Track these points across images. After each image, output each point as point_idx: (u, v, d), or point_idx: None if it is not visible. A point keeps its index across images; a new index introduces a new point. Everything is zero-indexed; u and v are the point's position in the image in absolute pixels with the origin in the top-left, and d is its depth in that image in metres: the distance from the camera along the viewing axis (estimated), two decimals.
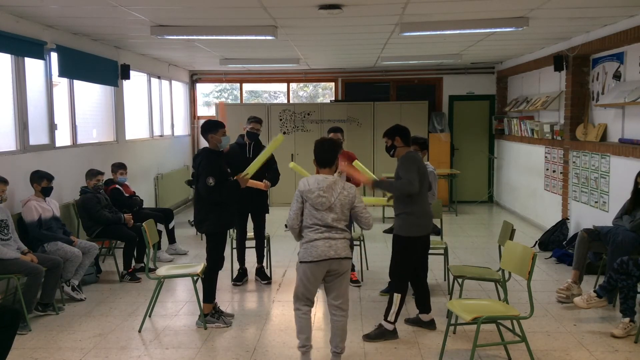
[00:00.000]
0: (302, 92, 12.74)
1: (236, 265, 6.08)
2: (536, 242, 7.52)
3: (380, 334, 4.43)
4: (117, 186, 6.76)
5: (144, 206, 7.14)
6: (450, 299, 5.20)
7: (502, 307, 3.94)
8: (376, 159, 10.91)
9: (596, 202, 6.90)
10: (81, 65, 6.91)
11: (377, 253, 7.21)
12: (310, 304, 3.85)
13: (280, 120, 11.07)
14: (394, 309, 4.39)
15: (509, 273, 4.36)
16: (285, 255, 7.10)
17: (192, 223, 6.86)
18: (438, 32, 6.49)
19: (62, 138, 6.70)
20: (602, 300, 4.71)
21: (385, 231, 8.21)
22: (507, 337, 4.17)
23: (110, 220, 6.13)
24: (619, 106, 6.42)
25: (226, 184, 4.69)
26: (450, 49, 8.67)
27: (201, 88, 12.29)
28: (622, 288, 4.52)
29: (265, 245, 6.15)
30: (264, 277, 6.06)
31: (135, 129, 8.90)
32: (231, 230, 6.14)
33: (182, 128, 11.34)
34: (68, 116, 6.89)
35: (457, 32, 6.50)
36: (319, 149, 3.91)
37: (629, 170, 5.86)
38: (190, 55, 9.21)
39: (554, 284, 5.81)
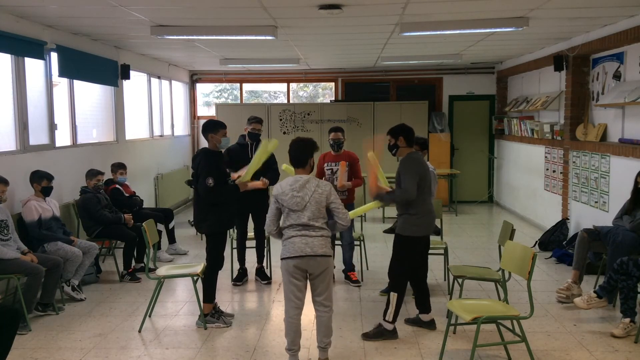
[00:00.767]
0: (302, 92, 12.74)
1: (236, 265, 6.08)
2: (536, 242, 7.52)
3: (379, 334, 4.43)
4: (117, 186, 6.76)
5: (144, 206, 7.14)
6: (450, 299, 5.20)
7: (502, 307, 3.94)
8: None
9: (596, 202, 6.90)
10: (81, 65, 6.91)
11: (377, 253, 7.21)
12: (300, 304, 3.85)
13: (280, 120, 11.07)
14: (391, 308, 4.39)
15: (509, 273, 4.36)
16: None
17: (192, 223, 6.86)
18: (438, 32, 6.49)
19: (62, 138, 6.70)
20: (602, 301, 4.71)
21: (385, 231, 8.20)
22: (507, 337, 4.17)
23: (110, 220, 6.13)
24: (619, 106, 6.42)
25: (225, 186, 4.68)
26: (450, 49, 8.67)
27: (201, 88, 12.30)
28: (622, 288, 4.52)
29: (266, 245, 6.16)
30: (264, 277, 6.06)
31: (135, 129, 8.90)
32: (231, 230, 6.15)
33: (182, 128, 11.34)
34: (68, 116, 6.89)
35: (457, 32, 6.50)
36: (293, 149, 3.92)
37: (629, 170, 5.86)
38: (190, 55, 9.21)
39: (554, 284, 5.81)
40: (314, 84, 12.58)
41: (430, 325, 4.66)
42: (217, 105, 11.20)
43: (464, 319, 3.75)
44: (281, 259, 3.83)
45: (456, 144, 11.47)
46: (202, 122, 11.63)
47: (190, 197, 10.76)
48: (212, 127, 4.72)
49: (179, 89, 11.23)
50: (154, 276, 4.86)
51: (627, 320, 4.46)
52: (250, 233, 6.11)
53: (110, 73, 7.78)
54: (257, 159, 4.80)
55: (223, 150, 4.95)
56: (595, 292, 4.74)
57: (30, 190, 5.51)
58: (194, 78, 11.88)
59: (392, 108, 11.01)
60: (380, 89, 11.74)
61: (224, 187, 4.65)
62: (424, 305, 4.70)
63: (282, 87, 12.18)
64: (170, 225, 7.21)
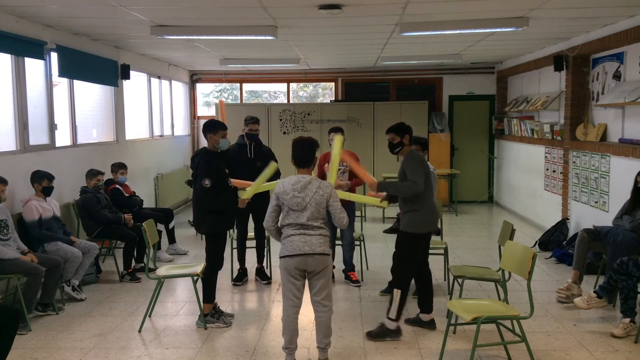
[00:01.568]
0: (302, 92, 12.74)
1: (236, 265, 6.08)
2: (536, 242, 7.51)
3: (383, 333, 4.42)
4: (117, 186, 6.76)
5: (144, 206, 7.14)
6: (450, 299, 5.20)
7: (502, 307, 3.93)
8: (376, 159, 10.91)
9: (596, 202, 6.90)
10: (81, 65, 6.91)
11: (377, 253, 7.21)
12: (298, 302, 3.85)
13: (280, 120, 11.07)
14: (395, 305, 4.37)
15: (509, 273, 4.36)
16: None
17: (192, 223, 6.86)
18: (438, 32, 6.49)
19: (62, 138, 6.70)
20: (602, 301, 4.71)
21: (385, 231, 8.19)
22: (507, 337, 4.17)
23: (110, 220, 6.13)
24: (619, 106, 6.42)
25: (224, 194, 4.63)
26: (450, 49, 8.67)
27: (201, 88, 12.29)
28: (622, 288, 4.52)
29: (266, 245, 6.16)
30: (264, 277, 6.06)
31: (135, 129, 8.90)
32: (231, 230, 6.14)
33: (182, 128, 11.34)
34: (68, 116, 6.89)
35: (457, 32, 6.49)
36: (296, 148, 3.90)
37: (629, 170, 5.86)
38: (190, 55, 9.21)
39: (554, 284, 5.81)
40: (314, 84, 12.58)
41: (430, 325, 4.66)
42: (217, 104, 11.18)
43: (464, 319, 3.75)
44: (280, 257, 3.84)
45: (456, 144, 11.47)
46: (202, 122, 11.71)
47: (190, 197, 10.75)
48: (212, 127, 4.71)
49: (179, 89, 11.23)
50: (154, 276, 4.86)
51: (627, 320, 4.46)
52: (251, 233, 6.11)
53: (110, 73, 7.78)
54: (262, 181, 4.70)
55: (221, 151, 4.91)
56: (595, 292, 4.74)
57: (30, 190, 5.51)
58: (194, 78, 11.88)
59: (392, 108, 11.01)
60: (380, 89, 11.74)
61: (221, 194, 4.61)
62: (425, 304, 4.70)
63: (282, 87, 12.17)
64: (170, 225, 7.21)
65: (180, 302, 5.45)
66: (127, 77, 8.18)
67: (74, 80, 6.93)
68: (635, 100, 5.81)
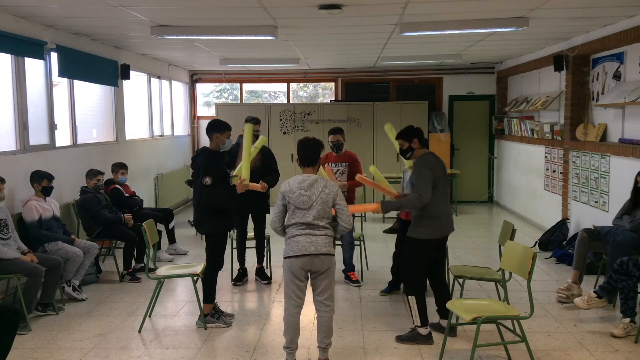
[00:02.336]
0: (302, 92, 12.74)
1: (236, 265, 6.08)
2: (536, 242, 7.51)
3: (412, 337, 4.35)
4: (117, 186, 6.76)
5: (144, 206, 7.14)
6: (451, 299, 5.19)
7: (502, 307, 3.93)
8: (376, 159, 10.90)
9: (596, 202, 6.90)
10: (81, 65, 6.91)
11: (377, 253, 7.21)
12: (300, 302, 3.85)
13: (280, 120, 11.07)
14: (414, 312, 4.31)
15: (509, 273, 4.36)
16: None
17: (192, 223, 6.86)
18: (438, 32, 6.49)
19: (62, 138, 6.70)
20: (602, 301, 4.71)
21: (385, 231, 8.21)
22: (507, 337, 4.17)
23: (110, 220, 6.13)
24: (619, 106, 6.42)
25: (224, 191, 4.58)
26: (450, 49, 8.67)
27: (201, 88, 12.29)
28: (622, 288, 4.52)
29: (266, 245, 6.16)
30: (264, 277, 6.06)
31: (135, 129, 8.90)
32: (231, 230, 6.14)
33: (182, 128, 11.33)
34: (68, 116, 6.89)
35: (457, 32, 6.50)
36: (302, 148, 3.92)
37: (629, 170, 5.86)
38: (190, 55, 9.21)
39: (554, 284, 5.81)
40: (314, 84, 12.58)
41: (451, 332, 4.45)
42: (217, 105, 11.21)
43: (464, 319, 3.75)
44: (284, 257, 3.83)
45: (456, 144, 11.47)
46: (202, 122, 11.73)
47: (190, 197, 10.76)
48: (220, 126, 4.68)
49: (179, 89, 11.23)
50: (154, 276, 4.86)
51: (627, 320, 4.46)
52: (250, 233, 6.12)
53: (110, 73, 7.78)
54: (247, 151, 4.62)
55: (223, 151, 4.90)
56: (595, 292, 4.74)
57: (30, 190, 5.51)
58: (194, 78, 11.88)
59: (392, 108, 11.01)
60: (380, 89, 11.74)
61: (221, 192, 4.54)
62: (442, 309, 4.51)
63: (282, 87, 12.17)
64: (170, 225, 7.21)
65: (180, 302, 5.45)
66: (127, 77, 8.18)
67: (74, 80, 6.93)
68: (635, 100, 5.81)
